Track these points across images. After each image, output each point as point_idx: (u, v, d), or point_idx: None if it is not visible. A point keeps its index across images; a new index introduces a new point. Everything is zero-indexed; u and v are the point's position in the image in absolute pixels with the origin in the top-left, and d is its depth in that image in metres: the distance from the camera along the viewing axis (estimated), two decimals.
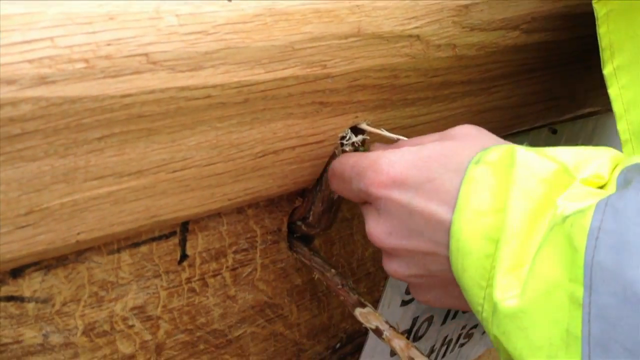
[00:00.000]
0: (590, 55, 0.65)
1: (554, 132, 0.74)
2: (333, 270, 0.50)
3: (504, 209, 0.34)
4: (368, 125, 0.47)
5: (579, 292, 0.29)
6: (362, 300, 0.49)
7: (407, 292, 0.68)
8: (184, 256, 0.44)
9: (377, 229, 0.41)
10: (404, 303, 0.69)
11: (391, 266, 0.42)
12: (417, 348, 0.45)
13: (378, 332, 0.47)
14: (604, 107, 0.79)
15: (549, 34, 0.57)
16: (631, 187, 0.31)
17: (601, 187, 0.35)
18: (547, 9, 0.56)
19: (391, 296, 0.67)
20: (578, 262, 0.29)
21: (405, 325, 0.72)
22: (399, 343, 0.46)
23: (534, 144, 0.72)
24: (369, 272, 0.62)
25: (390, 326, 0.47)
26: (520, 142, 0.67)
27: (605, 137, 0.85)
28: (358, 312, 0.49)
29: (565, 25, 0.58)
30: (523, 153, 0.36)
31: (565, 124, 0.75)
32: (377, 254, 0.62)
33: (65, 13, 0.30)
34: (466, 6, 0.49)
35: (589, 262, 0.29)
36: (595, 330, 0.29)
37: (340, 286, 0.50)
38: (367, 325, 0.48)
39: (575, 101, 0.70)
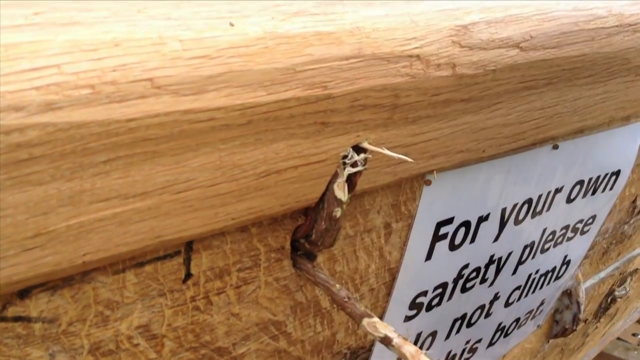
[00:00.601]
0: (590, 72, 0.65)
1: (555, 147, 0.75)
2: (338, 285, 0.51)
3: None
4: (369, 144, 0.47)
5: None
6: (369, 312, 0.49)
7: (411, 308, 0.68)
8: (188, 275, 0.44)
9: None
10: (407, 318, 0.70)
11: None
12: (427, 355, 0.46)
13: (387, 340, 0.48)
14: (605, 122, 0.79)
15: (548, 52, 0.57)
16: None
17: None
18: (547, 27, 0.57)
19: (395, 312, 0.67)
20: None
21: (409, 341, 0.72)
22: (409, 350, 0.46)
23: (535, 160, 0.73)
24: (372, 288, 0.63)
25: (399, 334, 0.47)
26: (523, 159, 0.68)
27: (605, 153, 0.86)
28: (365, 322, 0.49)
29: (565, 42, 0.58)
30: None
31: (566, 140, 0.76)
32: (380, 269, 0.62)
33: (71, 40, 0.31)
34: (465, 26, 0.50)
35: None
36: None
37: (346, 299, 0.50)
38: (376, 334, 0.48)
39: (576, 115, 0.70)
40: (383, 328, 0.48)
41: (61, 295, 0.38)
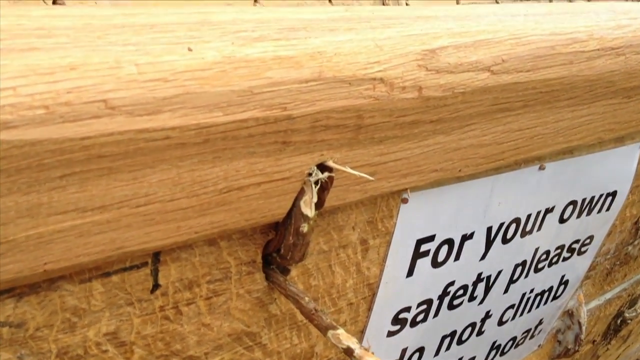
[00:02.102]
0: (570, 94, 0.67)
1: (542, 168, 0.76)
2: (307, 298, 0.53)
3: None
4: (334, 163, 0.49)
5: None
6: (334, 324, 0.51)
7: (393, 323, 0.70)
8: (156, 285, 0.47)
9: None
10: (390, 333, 0.71)
11: None
12: None
13: (349, 351, 0.49)
14: (595, 143, 0.80)
15: (521, 75, 0.59)
16: None
17: None
18: (520, 51, 0.58)
19: (376, 327, 0.69)
20: None
21: (393, 356, 0.73)
22: None
23: (521, 180, 0.74)
24: (350, 302, 0.64)
25: (362, 346, 0.49)
26: (507, 179, 0.69)
27: (598, 174, 0.86)
28: (330, 334, 0.51)
29: (539, 66, 0.60)
30: None
31: (553, 161, 0.77)
32: (358, 284, 0.64)
33: (28, 65, 0.33)
34: (432, 50, 0.52)
35: None
36: None
37: (313, 312, 0.52)
38: (339, 345, 0.50)
39: (560, 137, 0.71)
40: (346, 339, 0.50)
41: (28, 301, 0.40)
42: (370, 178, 0.49)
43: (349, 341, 0.49)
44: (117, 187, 0.38)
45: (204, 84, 0.39)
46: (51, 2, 0.60)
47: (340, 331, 0.50)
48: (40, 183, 0.35)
